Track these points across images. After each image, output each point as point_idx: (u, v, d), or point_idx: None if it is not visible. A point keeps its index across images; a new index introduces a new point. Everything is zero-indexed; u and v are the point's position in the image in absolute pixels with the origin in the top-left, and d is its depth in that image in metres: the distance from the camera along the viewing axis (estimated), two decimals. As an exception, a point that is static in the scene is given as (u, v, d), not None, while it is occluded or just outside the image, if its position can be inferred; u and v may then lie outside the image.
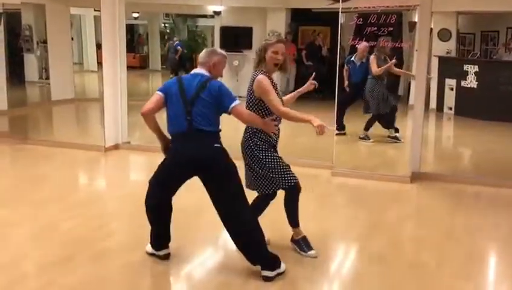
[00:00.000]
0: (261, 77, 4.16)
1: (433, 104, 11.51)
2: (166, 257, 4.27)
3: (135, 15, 16.38)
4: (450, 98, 11.62)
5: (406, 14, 9.71)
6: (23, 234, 4.78)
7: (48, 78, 11.41)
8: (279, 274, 4.02)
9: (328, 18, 11.21)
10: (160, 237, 4.26)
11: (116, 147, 8.14)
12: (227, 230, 4.11)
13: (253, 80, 4.20)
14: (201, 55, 4.15)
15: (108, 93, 8.08)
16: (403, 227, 5.37)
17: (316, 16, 12.61)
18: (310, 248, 4.49)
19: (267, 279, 3.97)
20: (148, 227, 4.26)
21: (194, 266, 4.30)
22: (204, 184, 4.05)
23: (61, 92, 11.66)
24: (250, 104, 4.26)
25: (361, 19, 6.93)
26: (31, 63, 11.53)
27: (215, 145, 4.04)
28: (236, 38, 13.40)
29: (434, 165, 7.72)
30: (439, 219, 5.54)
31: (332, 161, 7.01)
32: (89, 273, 4.06)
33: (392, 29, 6.91)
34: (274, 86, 4.23)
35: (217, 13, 13.03)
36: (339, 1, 6.94)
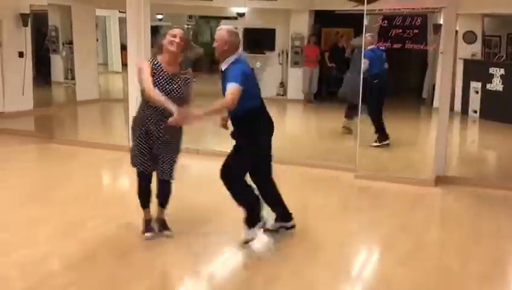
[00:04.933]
0: (142, 62, 4.51)
1: (457, 107, 11.39)
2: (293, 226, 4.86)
3: (159, 16, 16.49)
4: (475, 101, 11.47)
5: (431, 17, 9.64)
6: (50, 232, 4.84)
7: (73, 78, 11.57)
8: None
9: (352, 20, 11.17)
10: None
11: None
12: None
13: None
14: (236, 38, 4.47)
15: (133, 93, 8.13)
16: (427, 230, 5.32)
17: (340, 18, 12.54)
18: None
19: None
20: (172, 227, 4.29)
21: (215, 264, 4.32)
22: None
23: (86, 92, 11.81)
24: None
25: (386, 21, 6.89)
26: (56, 64, 11.70)
27: None
28: (259, 40, 13.43)
29: (459, 168, 7.63)
30: (465, 222, 5.48)
31: (356, 164, 6.97)
32: (113, 271, 4.10)
33: (417, 31, 6.86)
34: (163, 75, 4.33)
35: (241, 15, 13.06)
36: (363, 3, 6.91)
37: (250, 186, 4.69)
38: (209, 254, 4.50)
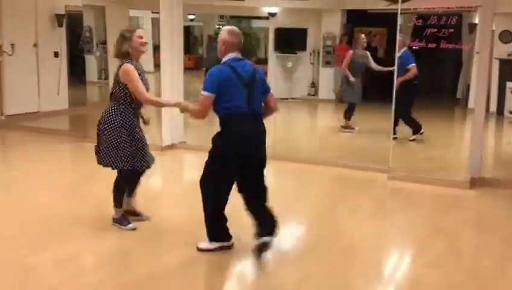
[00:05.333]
0: (128, 66, 4.51)
1: (493, 107, 11.16)
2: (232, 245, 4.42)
3: (191, 17, 16.60)
4: (510, 102, 11.24)
5: (467, 16, 9.48)
6: (86, 229, 4.91)
7: (106, 78, 11.69)
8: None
9: (385, 19, 11.05)
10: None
11: (172, 146, 8.27)
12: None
13: (119, 68, 4.56)
14: (235, 39, 4.21)
15: (166, 93, 8.21)
16: (461, 233, 5.22)
17: (372, 17, 12.43)
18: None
19: None
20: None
21: (245, 266, 4.32)
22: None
23: (119, 92, 11.94)
24: (118, 87, 4.59)
25: (420, 20, 6.79)
26: (91, 64, 11.87)
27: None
28: (290, 40, 13.40)
29: (494, 170, 7.48)
30: (500, 226, 5.37)
31: (389, 165, 6.89)
32: (146, 269, 4.14)
33: (452, 30, 6.75)
34: (140, 72, 4.58)
35: (272, 15, 13.04)
36: (397, 2, 6.83)
37: (220, 201, 4.30)
38: (242, 251, 4.50)
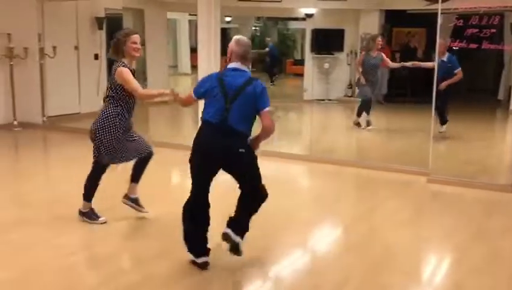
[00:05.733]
0: (122, 68, 4.67)
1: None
2: (205, 265, 4.09)
3: (228, 19, 16.69)
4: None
5: (509, 15, 9.26)
6: (124, 229, 4.97)
7: (145, 80, 11.86)
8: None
9: (424, 19, 10.88)
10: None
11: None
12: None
13: (115, 71, 4.71)
14: (240, 48, 4.09)
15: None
16: (504, 238, 5.08)
17: (411, 17, 12.25)
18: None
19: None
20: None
21: (283, 268, 4.30)
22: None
23: (157, 93, 12.08)
24: (113, 89, 4.75)
25: (461, 21, 6.66)
26: (129, 66, 12.04)
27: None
28: (327, 41, 13.31)
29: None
30: (545, 231, 5.22)
31: (429, 167, 6.77)
32: (185, 266, 4.16)
33: (494, 31, 6.59)
34: (133, 72, 4.76)
35: (309, 15, 13.00)
36: (437, 2, 6.70)
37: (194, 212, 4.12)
38: (277, 255, 4.49)
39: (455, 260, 4.56)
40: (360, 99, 9.97)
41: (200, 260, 4.09)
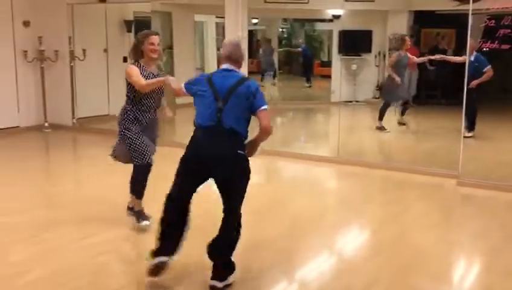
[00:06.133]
0: (129, 66, 4.73)
1: None
2: (158, 268, 3.85)
3: (254, 21, 16.71)
4: None
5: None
6: (153, 228, 5.00)
7: (173, 82, 11.97)
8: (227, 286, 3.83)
9: (454, 20, 10.74)
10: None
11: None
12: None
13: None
14: (227, 49, 3.94)
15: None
16: (537, 243, 4.99)
17: (440, 18, 12.10)
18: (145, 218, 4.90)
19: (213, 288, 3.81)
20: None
21: (310, 270, 4.28)
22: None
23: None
24: (127, 88, 4.83)
25: (493, 21, 6.55)
26: (157, 68, 12.15)
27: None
28: (355, 42, 13.23)
29: None
30: None
31: (459, 170, 6.67)
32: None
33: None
34: (148, 74, 4.75)
35: (336, 17, 12.94)
36: (467, 2, 6.60)
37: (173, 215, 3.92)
38: (304, 257, 4.47)
39: (486, 264, 4.48)
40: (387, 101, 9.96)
41: (157, 260, 3.83)
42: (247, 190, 3.84)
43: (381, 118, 9.75)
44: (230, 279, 3.89)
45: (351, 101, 12.54)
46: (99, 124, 10.15)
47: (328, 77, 13.17)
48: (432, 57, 9.93)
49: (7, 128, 9.62)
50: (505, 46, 6.61)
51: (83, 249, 4.54)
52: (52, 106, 10.09)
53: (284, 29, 17.81)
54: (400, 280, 4.05)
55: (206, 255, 3.88)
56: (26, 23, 9.80)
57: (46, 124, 10.02)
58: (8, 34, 9.55)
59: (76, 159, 8.71)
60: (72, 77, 10.14)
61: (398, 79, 9.47)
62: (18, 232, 4.91)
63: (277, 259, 4.33)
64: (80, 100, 10.23)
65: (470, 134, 8.38)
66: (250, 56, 15.83)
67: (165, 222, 3.92)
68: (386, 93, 10.27)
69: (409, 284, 3.99)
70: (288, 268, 4.26)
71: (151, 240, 4.74)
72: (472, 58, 8.05)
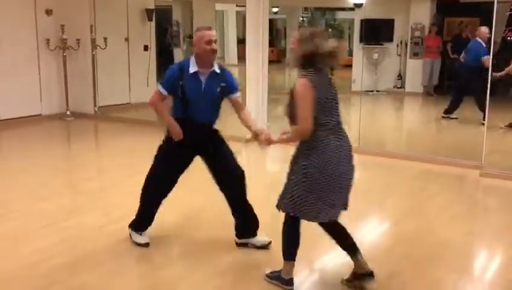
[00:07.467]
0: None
1: None
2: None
3: (275, 10, 16.64)
4: None
5: None
6: (175, 217, 5.03)
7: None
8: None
9: (477, 9, 10.59)
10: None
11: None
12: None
13: None
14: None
15: (251, 86, 8.27)
16: (562, 236, 4.92)
17: (464, 7, 11.94)
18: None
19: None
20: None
21: (330, 260, 4.28)
22: None
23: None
24: None
25: (518, 10, 6.45)
26: (178, 57, 12.19)
27: None
28: (377, 31, 13.12)
29: None
30: None
31: (482, 160, 6.59)
32: (230, 261, 4.20)
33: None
34: None
35: (358, 5, 12.83)
36: (493, -10, 6.50)
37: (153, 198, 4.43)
38: (324, 248, 4.46)
39: (509, 258, 4.43)
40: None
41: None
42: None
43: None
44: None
45: (372, 91, 12.44)
46: (120, 112, 10.22)
47: (349, 66, 13.10)
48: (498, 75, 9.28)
49: (29, 116, 9.73)
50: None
51: (106, 236, 4.59)
52: (74, 94, 10.18)
53: (304, 18, 17.72)
54: (421, 272, 4.02)
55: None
56: (48, 12, 9.87)
57: (68, 112, 10.11)
58: (30, 22, 9.63)
59: (98, 147, 8.78)
60: (94, 66, 10.20)
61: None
62: (43, 219, 4.98)
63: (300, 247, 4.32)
64: (102, 88, 10.30)
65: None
66: (271, 45, 15.82)
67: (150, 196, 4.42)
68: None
69: (429, 276, 3.96)
70: (307, 258, 4.25)
71: (175, 228, 4.79)
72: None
